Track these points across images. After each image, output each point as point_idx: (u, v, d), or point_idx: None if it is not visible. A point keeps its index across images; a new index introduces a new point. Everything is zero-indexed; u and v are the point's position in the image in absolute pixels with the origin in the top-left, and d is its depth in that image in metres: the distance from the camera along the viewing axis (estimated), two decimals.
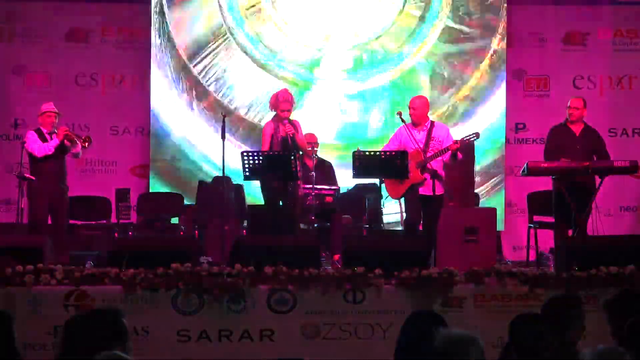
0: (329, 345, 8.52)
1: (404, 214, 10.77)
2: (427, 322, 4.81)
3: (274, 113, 10.70)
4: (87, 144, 10.90)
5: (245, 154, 10.37)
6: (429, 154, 10.31)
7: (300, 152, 10.66)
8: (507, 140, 13.14)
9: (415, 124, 10.57)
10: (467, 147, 10.83)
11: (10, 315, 5.23)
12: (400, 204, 10.72)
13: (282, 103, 10.59)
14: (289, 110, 10.63)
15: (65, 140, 10.74)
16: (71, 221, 11.36)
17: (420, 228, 10.64)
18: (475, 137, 10.65)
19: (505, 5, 13.24)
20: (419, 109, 10.63)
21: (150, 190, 12.86)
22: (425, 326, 4.70)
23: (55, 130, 10.79)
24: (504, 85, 13.26)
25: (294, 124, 10.66)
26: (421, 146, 10.35)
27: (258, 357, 8.51)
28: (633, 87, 13.09)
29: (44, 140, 10.77)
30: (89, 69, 13.02)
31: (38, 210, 10.75)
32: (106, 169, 13.20)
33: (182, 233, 11.91)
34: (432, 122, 10.74)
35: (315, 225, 10.47)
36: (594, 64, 13.19)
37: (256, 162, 10.24)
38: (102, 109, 12.97)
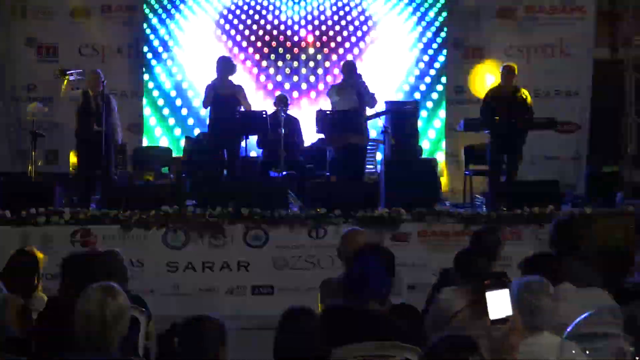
0: (295, 275, 8.74)
1: None
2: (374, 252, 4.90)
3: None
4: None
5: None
6: None
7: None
8: (448, 101, 13.16)
9: None
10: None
11: None
12: None
13: None
14: None
15: None
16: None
17: None
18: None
19: None
20: None
21: (143, 145, 12.83)
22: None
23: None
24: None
25: None
26: None
27: (235, 284, 8.73)
28: (554, 54, 13.11)
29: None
30: (91, 41, 12.93)
31: None
32: None
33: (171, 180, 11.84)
34: None
35: (285, 173, 10.46)
36: (522, 36, 13.20)
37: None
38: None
